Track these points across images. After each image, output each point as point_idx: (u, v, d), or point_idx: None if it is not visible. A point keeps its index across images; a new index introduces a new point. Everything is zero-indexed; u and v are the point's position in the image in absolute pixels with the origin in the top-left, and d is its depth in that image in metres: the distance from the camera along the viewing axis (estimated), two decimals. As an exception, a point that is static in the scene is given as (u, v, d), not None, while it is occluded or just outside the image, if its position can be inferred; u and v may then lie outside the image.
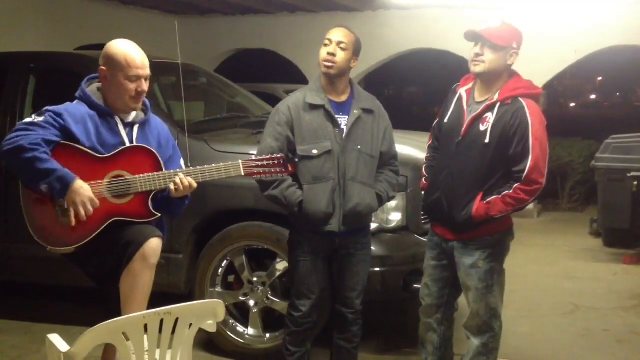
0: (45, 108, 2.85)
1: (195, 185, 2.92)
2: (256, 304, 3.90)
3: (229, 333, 3.94)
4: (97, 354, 2.78)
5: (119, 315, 2.65)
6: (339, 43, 3.13)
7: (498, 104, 2.94)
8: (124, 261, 2.76)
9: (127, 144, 2.90)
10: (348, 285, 3.29)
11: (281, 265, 3.83)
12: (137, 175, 2.84)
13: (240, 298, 3.94)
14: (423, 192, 3.31)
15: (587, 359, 4.21)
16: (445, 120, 3.14)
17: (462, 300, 3.20)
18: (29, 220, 2.85)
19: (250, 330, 3.96)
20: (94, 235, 2.81)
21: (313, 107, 3.15)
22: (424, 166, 3.33)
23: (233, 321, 3.97)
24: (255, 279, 3.90)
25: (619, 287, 5.73)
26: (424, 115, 18.43)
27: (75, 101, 2.93)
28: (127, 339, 2.24)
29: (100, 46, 3.01)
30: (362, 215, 3.22)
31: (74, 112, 2.85)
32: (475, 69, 2.97)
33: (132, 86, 2.88)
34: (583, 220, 8.24)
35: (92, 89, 2.96)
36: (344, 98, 3.22)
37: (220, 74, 5.91)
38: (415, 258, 3.72)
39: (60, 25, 8.01)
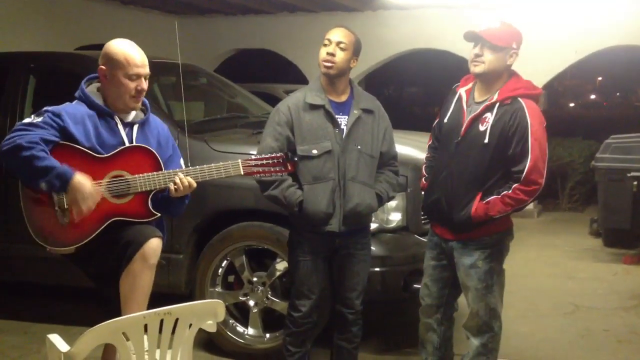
0: (44, 108, 2.85)
1: (194, 184, 2.92)
2: (256, 304, 3.91)
3: (229, 333, 3.94)
4: (97, 354, 2.79)
5: (119, 315, 2.65)
6: (338, 43, 3.12)
7: (497, 104, 2.95)
8: (124, 261, 2.76)
9: (127, 144, 2.90)
10: (348, 285, 3.29)
11: (281, 266, 3.83)
12: (136, 175, 2.84)
13: (241, 298, 3.94)
14: (423, 192, 3.32)
15: (587, 359, 4.20)
16: (445, 120, 3.14)
17: (462, 300, 3.20)
18: (29, 221, 2.85)
19: (250, 331, 3.96)
20: (93, 235, 2.81)
21: (313, 107, 3.15)
22: (423, 166, 3.34)
23: (233, 321, 3.97)
24: (255, 279, 3.90)
25: (619, 287, 5.73)
26: (424, 115, 18.40)
27: (75, 101, 2.93)
28: (127, 339, 2.24)
29: (100, 46, 3.01)
30: (362, 215, 3.22)
31: (73, 112, 2.85)
32: (475, 69, 2.97)
33: (132, 85, 2.88)
34: (583, 220, 8.25)
35: (91, 89, 2.96)
36: (343, 98, 3.22)
37: (220, 74, 5.91)
38: (415, 258, 3.71)
39: (60, 25, 8.00)
